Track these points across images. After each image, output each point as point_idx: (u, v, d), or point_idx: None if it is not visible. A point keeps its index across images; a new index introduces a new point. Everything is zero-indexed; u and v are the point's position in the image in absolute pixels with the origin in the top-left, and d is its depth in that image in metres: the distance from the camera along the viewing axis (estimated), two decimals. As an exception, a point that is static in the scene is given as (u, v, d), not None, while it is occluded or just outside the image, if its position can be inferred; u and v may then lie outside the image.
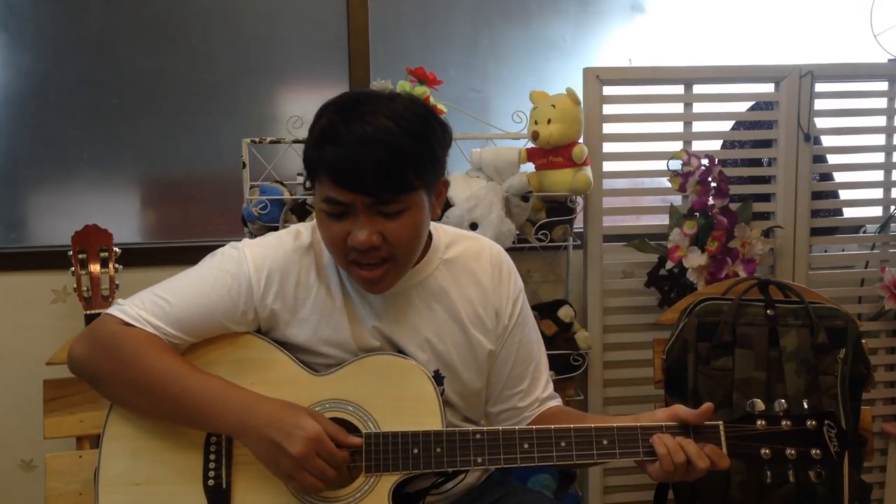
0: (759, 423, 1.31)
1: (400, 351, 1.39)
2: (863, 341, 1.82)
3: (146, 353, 1.30)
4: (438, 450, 1.30)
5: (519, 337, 1.48)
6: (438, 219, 2.20)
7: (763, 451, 1.30)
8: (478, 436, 1.31)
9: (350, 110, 1.25)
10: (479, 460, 1.30)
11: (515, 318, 1.47)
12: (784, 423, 1.30)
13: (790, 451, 1.29)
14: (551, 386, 1.53)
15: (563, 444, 1.30)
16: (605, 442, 1.30)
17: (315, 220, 1.37)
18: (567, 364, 2.35)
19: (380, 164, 1.22)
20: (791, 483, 1.69)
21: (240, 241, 1.42)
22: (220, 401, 1.29)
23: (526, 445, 1.30)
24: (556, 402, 1.53)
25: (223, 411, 1.28)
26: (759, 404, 1.31)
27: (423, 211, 1.30)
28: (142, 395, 1.31)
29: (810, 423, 1.30)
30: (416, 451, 1.30)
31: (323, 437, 1.24)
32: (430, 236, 1.41)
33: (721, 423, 1.31)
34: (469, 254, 1.46)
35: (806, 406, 1.34)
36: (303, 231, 1.42)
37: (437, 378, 1.39)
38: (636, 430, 1.31)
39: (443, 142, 1.32)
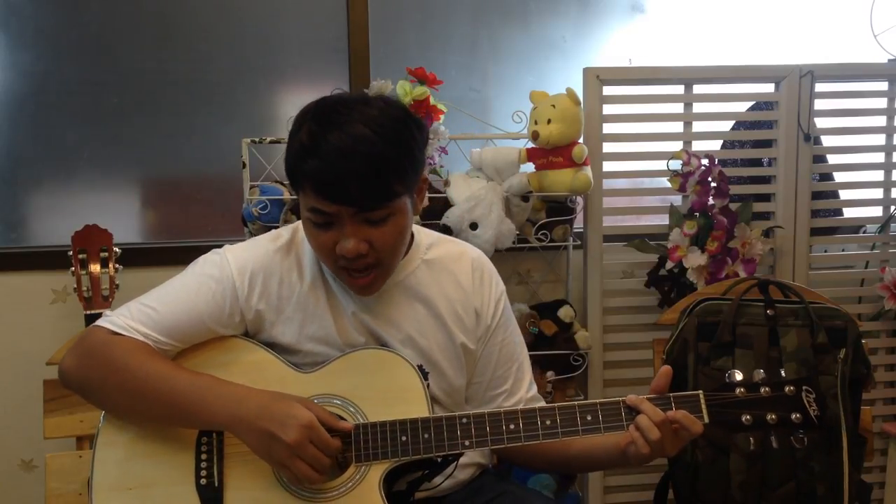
0: (739, 391, 1.33)
1: (384, 345, 1.42)
2: (863, 341, 1.82)
3: (135, 357, 1.32)
4: (426, 435, 1.32)
5: (501, 337, 1.51)
6: (438, 219, 2.20)
7: (744, 417, 1.32)
8: (464, 420, 1.33)
9: (327, 119, 1.26)
10: (467, 443, 1.33)
11: (498, 319, 1.50)
12: (763, 389, 1.33)
13: (770, 416, 1.32)
14: (535, 387, 1.55)
15: (547, 421, 1.33)
16: (588, 417, 1.33)
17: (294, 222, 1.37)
18: (567, 364, 2.35)
19: (362, 175, 1.24)
20: (791, 483, 1.72)
21: (221, 246, 1.45)
22: (210, 396, 1.30)
23: (511, 426, 1.33)
24: (541, 403, 1.53)
25: (214, 406, 1.30)
26: (737, 374, 1.35)
27: (407, 214, 1.33)
28: (133, 398, 1.33)
29: (788, 388, 1.32)
30: (404, 438, 1.32)
31: (316, 424, 1.26)
32: (412, 235, 1.44)
33: (701, 392, 1.34)
34: (449, 255, 1.49)
35: (783, 374, 1.36)
36: (283, 233, 1.45)
37: (421, 373, 1.41)
38: (619, 403, 1.34)
39: (421, 143, 1.33)
